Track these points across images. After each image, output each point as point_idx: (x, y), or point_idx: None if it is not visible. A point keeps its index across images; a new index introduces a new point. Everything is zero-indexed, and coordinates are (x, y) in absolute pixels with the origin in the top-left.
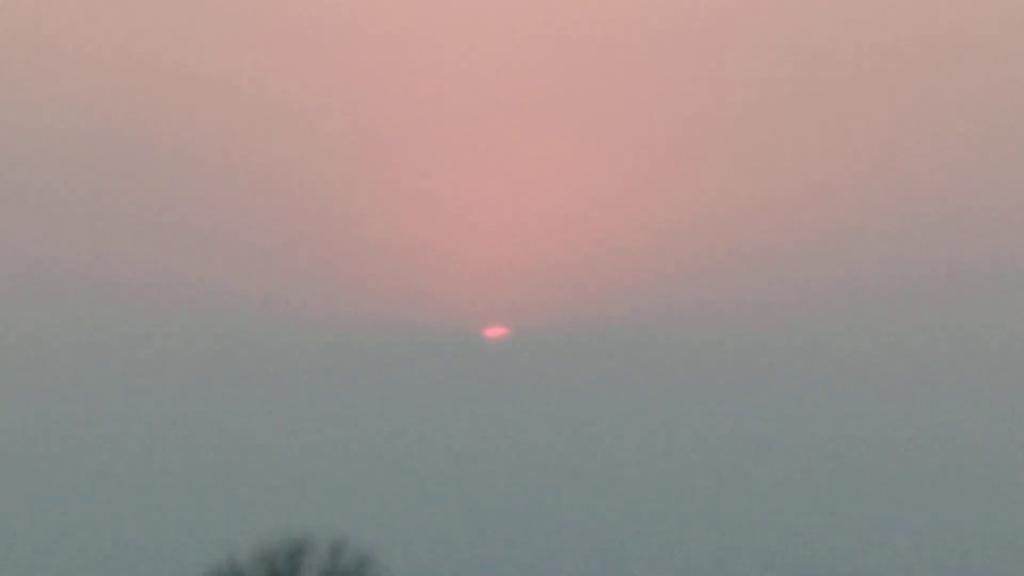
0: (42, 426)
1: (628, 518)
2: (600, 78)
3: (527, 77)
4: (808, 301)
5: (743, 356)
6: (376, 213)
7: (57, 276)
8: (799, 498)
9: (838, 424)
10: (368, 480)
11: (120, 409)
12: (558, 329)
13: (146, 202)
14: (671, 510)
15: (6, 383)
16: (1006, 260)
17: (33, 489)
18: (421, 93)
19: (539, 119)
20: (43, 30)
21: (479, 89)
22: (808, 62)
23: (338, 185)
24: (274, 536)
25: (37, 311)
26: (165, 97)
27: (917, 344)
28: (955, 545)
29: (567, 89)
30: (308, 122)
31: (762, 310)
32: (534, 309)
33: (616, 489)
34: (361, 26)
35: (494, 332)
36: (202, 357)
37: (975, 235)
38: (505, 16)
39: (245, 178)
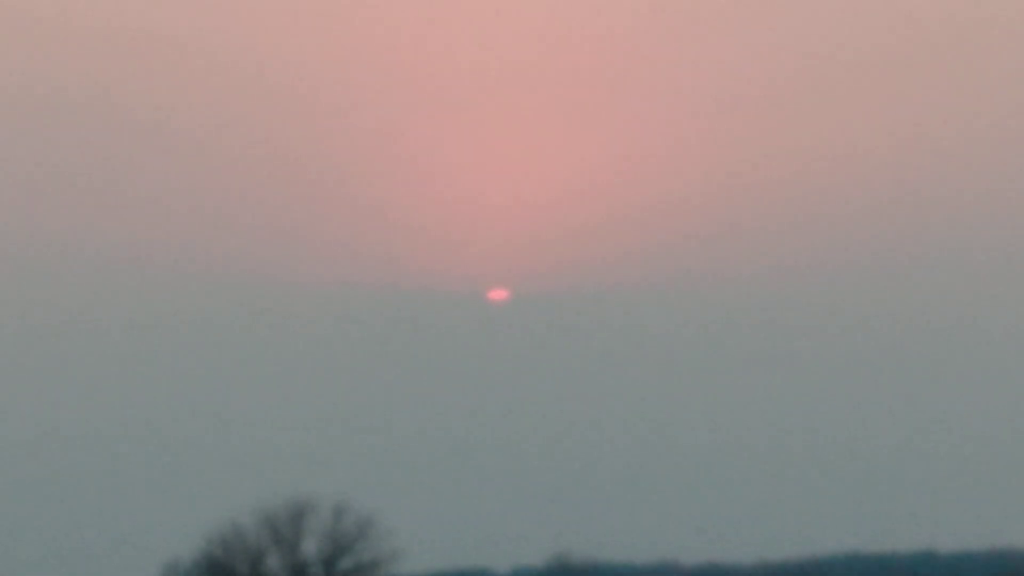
0: (46, 387)
1: (628, 479)
2: (607, 49)
3: (531, 48)
4: (808, 269)
5: (745, 318)
6: (380, 176)
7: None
8: (800, 459)
9: (840, 379)
10: (371, 442)
11: (122, 371)
12: (560, 292)
13: (153, 179)
14: (671, 473)
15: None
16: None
17: (36, 448)
18: (422, 61)
19: (544, 89)
20: None
21: (483, 57)
22: (809, 46)
23: (342, 150)
24: (277, 498)
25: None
26: (157, 65)
27: (925, 316)
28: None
29: (571, 60)
30: (309, 90)
31: (762, 275)
32: (536, 273)
33: (616, 451)
34: None
35: (497, 295)
36: (204, 320)
37: (979, 220)
38: None
39: (246, 145)
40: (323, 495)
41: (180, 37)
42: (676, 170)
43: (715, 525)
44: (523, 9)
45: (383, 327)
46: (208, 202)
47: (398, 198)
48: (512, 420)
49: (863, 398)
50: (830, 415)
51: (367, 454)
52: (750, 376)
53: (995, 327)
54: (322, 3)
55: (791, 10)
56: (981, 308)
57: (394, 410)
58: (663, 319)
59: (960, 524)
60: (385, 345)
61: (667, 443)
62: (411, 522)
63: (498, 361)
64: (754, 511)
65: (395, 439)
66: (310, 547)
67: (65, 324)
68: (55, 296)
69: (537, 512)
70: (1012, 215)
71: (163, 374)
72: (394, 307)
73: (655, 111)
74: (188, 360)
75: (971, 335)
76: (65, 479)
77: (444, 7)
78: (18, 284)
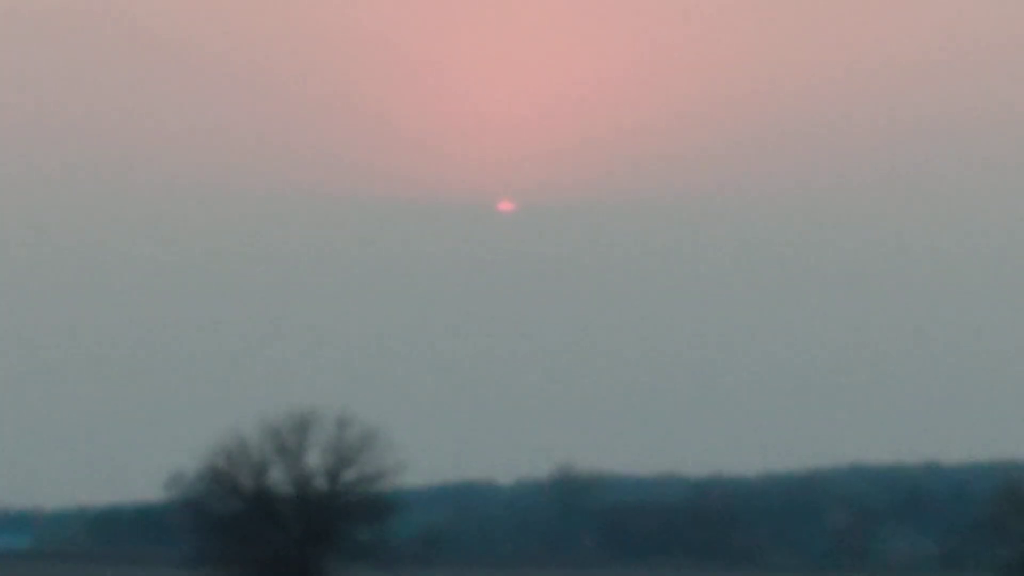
0: (40, 299)
1: (632, 391)
2: None
3: None
4: (810, 185)
5: (747, 233)
6: (389, 93)
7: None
8: (803, 372)
9: (843, 294)
10: (375, 354)
11: (121, 282)
12: (565, 204)
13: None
14: (675, 385)
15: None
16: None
17: (42, 365)
18: None
19: (551, 5)
20: None
21: None
22: None
23: (352, 69)
24: (281, 410)
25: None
26: None
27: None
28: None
29: None
30: (318, 10)
31: (763, 190)
32: (544, 185)
33: (620, 363)
34: None
35: (506, 206)
36: (212, 234)
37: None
38: None
39: (256, 66)
40: (327, 407)
41: None
42: (680, 85)
43: (719, 437)
44: None
45: (392, 239)
46: (219, 119)
47: (408, 114)
48: (516, 333)
49: (866, 312)
50: (834, 329)
51: (372, 367)
52: (753, 289)
53: (998, 243)
54: None
55: None
56: (987, 224)
57: (399, 323)
58: (669, 232)
59: (963, 436)
60: (391, 257)
61: (671, 356)
62: (415, 435)
63: (505, 273)
64: (758, 424)
65: (400, 352)
66: (314, 459)
67: (66, 245)
68: (54, 220)
69: (541, 425)
70: (1011, 137)
71: (167, 290)
72: (402, 220)
73: (661, 27)
74: (194, 274)
75: (974, 249)
76: (70, 396)
77: None
78: (18, 208)
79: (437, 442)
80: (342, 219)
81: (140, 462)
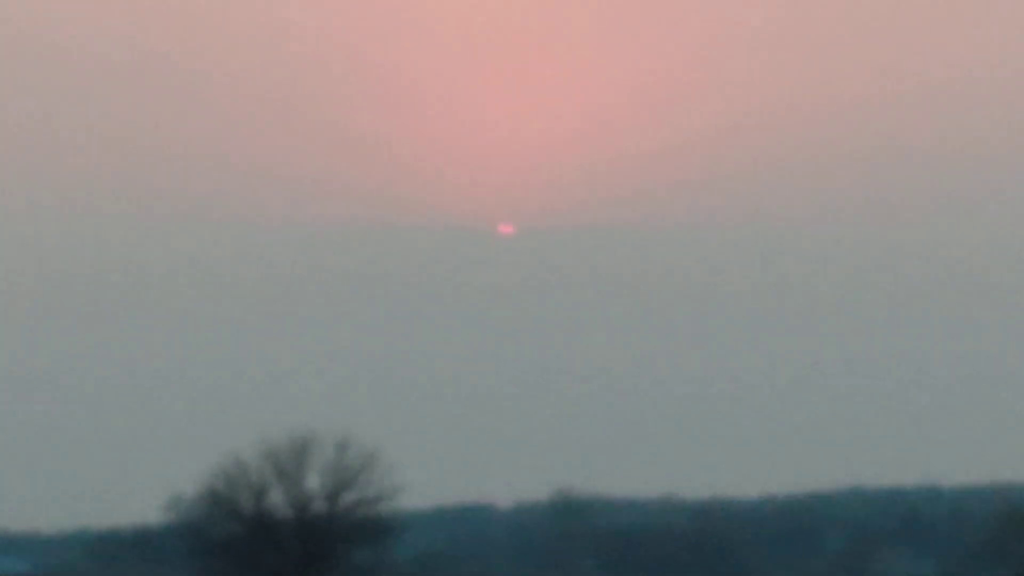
0: (37, 321)
1: (631, 414)
2: None
3: None
4: (811, 208)
5: (747, 255)
6: (390, 117)
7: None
8: (803, 394)
9: (844, 315)
10: (375, 377)
11: (120, 304)
12: (565, 228)
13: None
14: (674, 408)
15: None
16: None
17: (41, 385)
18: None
19: (552, 26)
20: None
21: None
22: None
23: (350, 91)
24: (280, 433)
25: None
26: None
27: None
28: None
29: (581, 1)
30: (315, 30)
31: (764, 215)
32: (543, 208)
33: (619, 386)
34: None
35: (506, 229)
36: (211, 258)
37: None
38: None
39: (251, 87)
40: (326, 430)
41: None
42: (684, 109)
43: (719, 461)
44: None
45: (391, 262)
46: (213, 143)
47: (407, 138)
48: (515, 356)
49: (864, 335)
50: (834, 351)
51: (371, 389)
52: (754, 311)
53: (998, 265)
54: None
55: None
56: (988, 245)
57: (398, 346)
58: (669, 256)
59: (963, 459)
60: (390, 280)
61: (671, 378)
62: (414, 457)
63: (504, 296)
64: (757, 447)
65: (398, 375)
66: (313, 482)
67: (65, 265)
68: (56, 247)
69: (540, 448)
70: (1013, 161)
71: (167, 313)
72: (401, 242)
73: (665, 50)
74: (193, 297)
75: (975, 272)
76: (70, 415)
77: None
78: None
79: (436, 465)
80: (341, 242)
81: (139, 485)
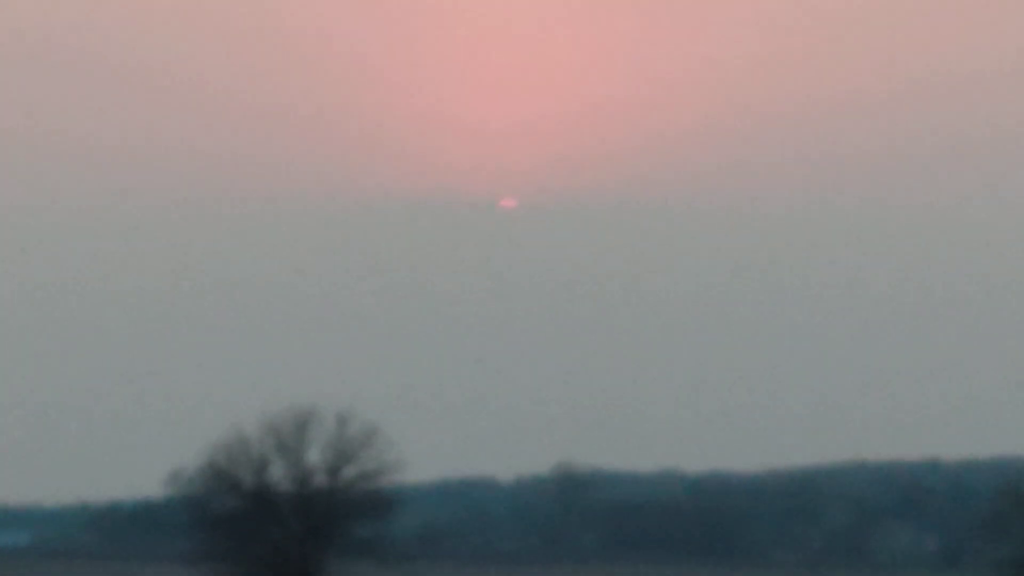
0: (38, 296)
1: (632, 387)
2: None
3: None
4: (809, 194)
5: (750, 232)
6: (389, 91)
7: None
8: (804, 367)
9: (843, 289)
10: (376, 351)
11: (120, 279)
12: (567, 203)
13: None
14: (675, 381)
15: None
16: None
17: (31, 364)
18: None
19: (554, 7)
20: None
21: None
22: None
23: (352, 64)
24: (281, 407)
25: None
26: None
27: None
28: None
29: None
30: (322, 24)
31: (775, 177)
32: (545, 181)
33: (620, 360)
34: None
35: (508, 203)
36: (214, 234)
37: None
38: None
39: (262, 44)
40: (327, 403)
41: None
42: (686, 93)
43: (719, 434)
44: None
45: (392, 236)
46: (219, 131)
47: (410, 115)
48: (516, 329)
49: (865, 307)
50: (833, 325)
51: (372, 363)
52: (752, 286)
53: (999, 240)
54: None
55: None
56: (987, 222)
57: (399, 319)
58: (669, 231)
59: (964, 433)
60: (391, 254)
61: (670, 352)
62: (416, 431)
63: (506, 270)
64: (758, 421)
65: (399, 348)
66: (314, 456)
67: (66, 243)
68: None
69: (541, 422)
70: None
71: (167, 288)
72: (402, 216)
73: (665, 37)
74: (193, 272)
75: (975, 246)
76: (69, 392)
77: None
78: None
79: (437, 439)
80: (342, 218)
81: (140, 459)
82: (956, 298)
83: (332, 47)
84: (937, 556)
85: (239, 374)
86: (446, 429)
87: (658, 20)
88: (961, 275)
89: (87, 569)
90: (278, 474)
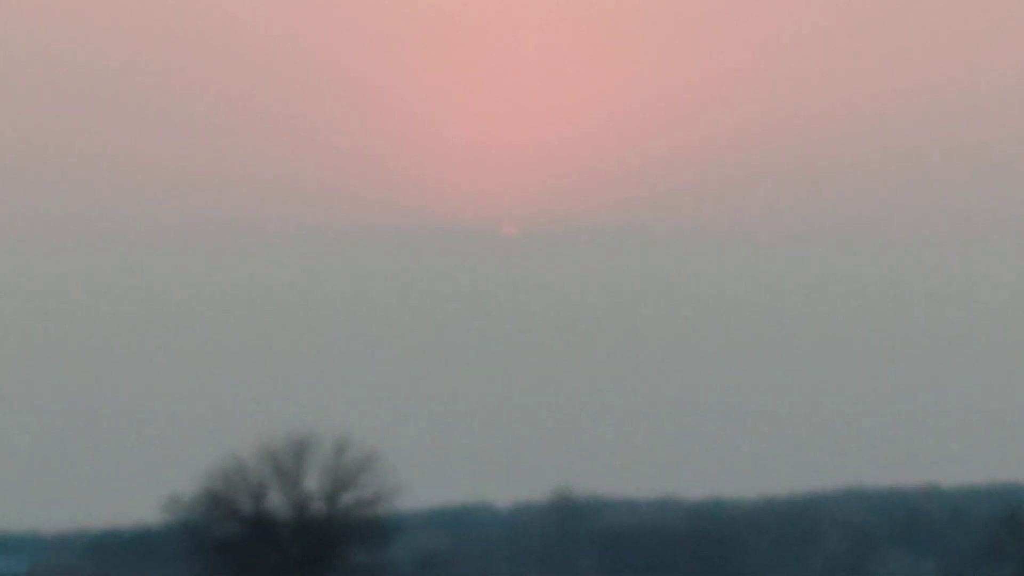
0: (36, 320)
1: (630, 414)
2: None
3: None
4: (807, 222)
5: (748, 259)
6: (392, 118)
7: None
8: (803, 394)
9: (843, 317)
10: (374, 378)
11: (118, 303)
12: (568, 230)
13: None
14: (673, 408)
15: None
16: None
17: (29, 390)
18: (433, 8)
19: (558, 31)
20: None
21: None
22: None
23: (353, 90)
24: (279, 434)
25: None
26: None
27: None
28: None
29: (593, 9)
30: (317, 56)
31: (779, 201)
32: (548, 209)
33: (618, 386)
34: None
35: (511, 230)
36: (210, 252)
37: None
38: None
39: (261, 63)
40: (325, 430)
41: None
42: (689, 117)
43: (717, 461)
44: None
45: (394, 264)
46: (222, 151)
47: (413, 141)
48: (514, 356)
49: (863, 335)
50: (831, 352)
51: (369, 390)
52: (751, 314)
53: (998, 262)
54: None
55: None
56: (989, 245)
57: (397, 347)
58: (671, 257)
59: (963, 459)
60: (390, 282)
61: (670, 378)
62: (413, 458)
63: (506, 296)
64: (756, 447)
65: (397, 375)
66: (312, 482)
67: (66, 261)
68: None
69: (539, 448)
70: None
71: (165, 314)
72: (405, 244)
73: (671, 58)
74: (193, 298)
75: (975, 270)
76: (67, 418)
77: None
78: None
79: (434, 465)
80: (341, 244)
81: (138, 485)
82: (955, 324)
83: (332, 74)
84: None
85: (237, 401)
86: (443, 456)
87: (660, 47)
88: (959, 302)
89: None
90: (276, 500)
